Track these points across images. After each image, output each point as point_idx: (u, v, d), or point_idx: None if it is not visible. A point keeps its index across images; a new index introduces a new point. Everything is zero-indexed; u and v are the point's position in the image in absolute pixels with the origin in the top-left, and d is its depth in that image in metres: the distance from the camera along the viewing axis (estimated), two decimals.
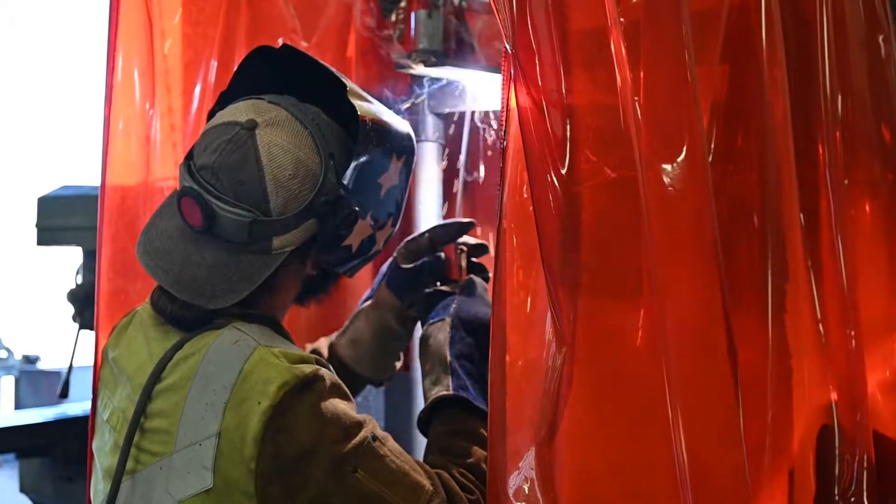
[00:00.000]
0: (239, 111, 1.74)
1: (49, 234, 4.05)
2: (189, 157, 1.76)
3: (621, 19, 1.50)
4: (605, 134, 1.50)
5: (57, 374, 7.34)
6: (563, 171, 1.47)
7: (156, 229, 1.77)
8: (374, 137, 1.77)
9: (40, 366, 8.00)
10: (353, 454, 1.62)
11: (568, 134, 1.48)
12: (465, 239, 2.09)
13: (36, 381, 7.70)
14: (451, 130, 2.55)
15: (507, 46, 1.47)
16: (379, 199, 1.83)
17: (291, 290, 1.85)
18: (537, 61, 1.48)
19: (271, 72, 1.86)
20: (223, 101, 1.84)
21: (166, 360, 1.70)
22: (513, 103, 1.49)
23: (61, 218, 3.99)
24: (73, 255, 4.14)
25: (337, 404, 1.65)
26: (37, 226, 4.08)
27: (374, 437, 1.67)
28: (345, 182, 1.74)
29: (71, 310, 3.88)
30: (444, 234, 2.08)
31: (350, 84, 1.80)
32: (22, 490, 4.20)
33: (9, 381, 8.02)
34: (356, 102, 1.76)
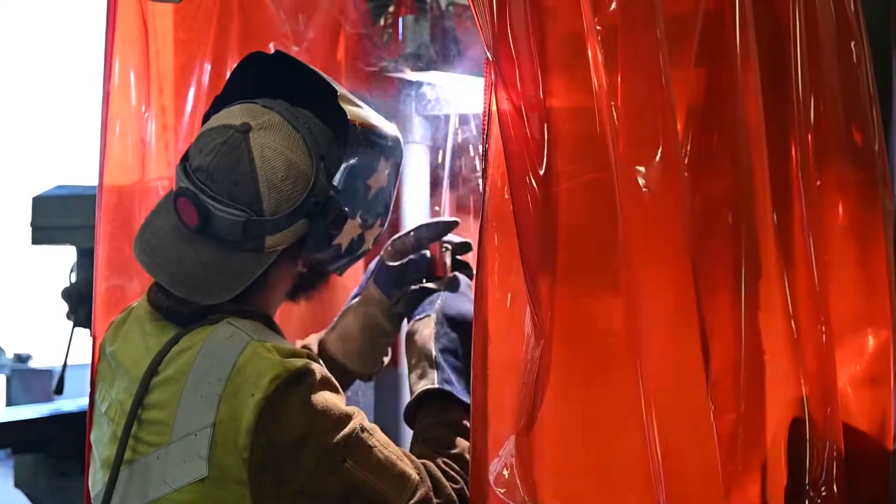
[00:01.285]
0: (233, 115, 1.78)
1: (44, 233, 4.04)
2: (185, 158, 1.79)
3: (598, 27, 1.53)
4: (581, 137, 1.53)
5: (48, 372, 7.28)
6: (541, 173, 1.50)
7: (152, 228, 1.81)
8: (363, 141, 1.81)
9: (32, 364, 7.95)
10: (343, 444, 1.67)
11: (546, 137, 1.50)
12: (450, 237, 2.13)
13: (27, 380, 7.64)
14: (439, 132, 2.58)
15: (488, 54, 1.51)
16: (367, 200, 1.87)
17: (283, 286, 1.89)
18: (517, 68, 1.50)
19: (264, 77, 1.89)
20: (217, 104, 1.88)
21: (163, 354, 1.74)
22: (494, 108, 1.52)
23: (56, 217, 3.98)
24: (66, 254, 4.15)
25: (327, 397, 1.70)
26: (31, 225, 4.08)
27: (363, 429, 1.72)
28: (335, 183, 1.78)
29: (65, 308, 3.90)
30: (429, 233, 2.11)
31: (340, 89, 1.84)
32: (16, 485, 4.20)
33: (0, 380, 7.98)
34: (346, 107, 1.80)
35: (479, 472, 1.55)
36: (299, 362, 1.68)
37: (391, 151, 1.91)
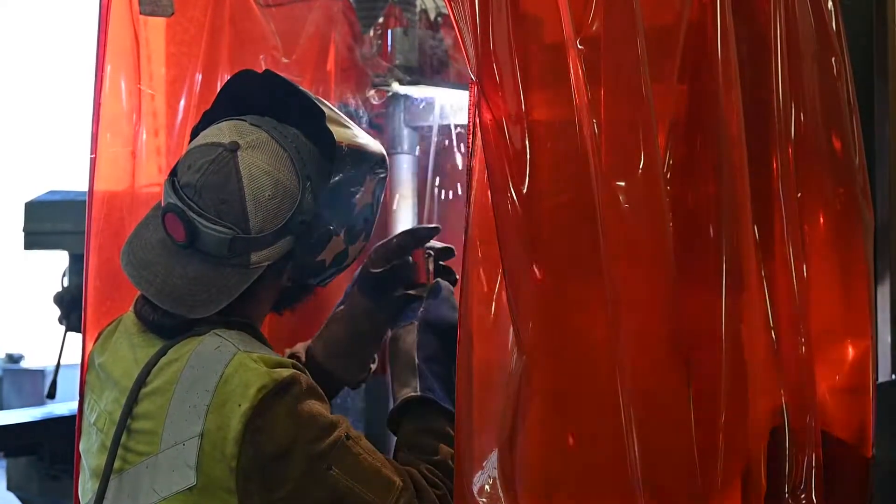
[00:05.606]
0: (222, 132, 1.79)
1: (36, 238, 4.02)
2: (173, 173, 1.81)
3: (580, 45, 1.55)
4: (563, 153, 1.54)
5: (41, 372, 7.29)
6: (524, 190, 1.51)
7: (140, 240, 1.83)
8: (349, 161, 1.83)
9: (24, 364, 7.93)
10: (328, 453, 1.70)
11: (528, 153, 1.52)
12: (432, 243, 2.14)
13: (19, 380, 7.65)
14: (425, 142, 2.59)
15: (471, 72, 1.52)
16: (352, 217, 1.87)
17: (268, 299, 1.91)
18: (499, 84, 1.52)
19: (253, 93, 1.91)
20: (206, 119, 1.89)
21: (151, 365, 1.76)
22: (478, 122, 1.53)
23: (48, 223, 3.97)
24: (59, 259, 4.15)
25: (313, 406, 1.72)
26: (24, 230, 4.07)
27: (348, 437, 1.74)
28: (320, 202, 1.80)
29: (57, 312, 3.90)
30: (412, 239, 2.12)
31: (328, 110, 1.85)
32: (9, 488, 4.21)
33: None
34: (333, 128, 1.81)
35: (462, 483, 1.56)
36: (285, 372, 1.71)
37: (377, 169, 1.92)
